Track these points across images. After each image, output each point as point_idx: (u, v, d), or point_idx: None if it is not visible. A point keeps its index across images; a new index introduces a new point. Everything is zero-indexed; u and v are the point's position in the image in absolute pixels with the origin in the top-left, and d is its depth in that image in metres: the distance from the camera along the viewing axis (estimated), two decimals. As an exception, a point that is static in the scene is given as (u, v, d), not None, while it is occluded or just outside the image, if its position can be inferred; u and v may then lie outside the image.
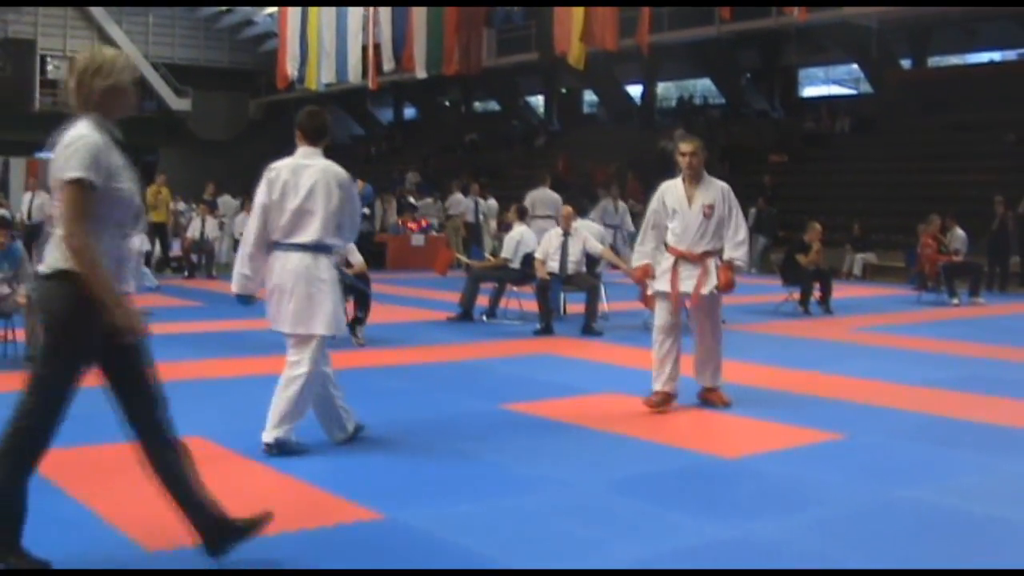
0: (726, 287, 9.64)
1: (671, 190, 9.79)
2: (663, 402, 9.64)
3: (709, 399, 9.80)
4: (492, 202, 30.57)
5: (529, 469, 7.56)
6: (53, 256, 5.11)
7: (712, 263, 9.65)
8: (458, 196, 30.99)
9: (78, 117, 5.27)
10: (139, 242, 5.67)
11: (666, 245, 9.84)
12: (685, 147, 9.71)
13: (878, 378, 11.69)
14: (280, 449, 7.75)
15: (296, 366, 8.06)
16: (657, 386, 9.69)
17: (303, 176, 7.81)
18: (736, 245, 9.64)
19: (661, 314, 9.77)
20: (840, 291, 20.00)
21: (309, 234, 7.77)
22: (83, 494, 6.68)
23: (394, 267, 27.75)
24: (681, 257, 9.70)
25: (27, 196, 28.68)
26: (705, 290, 9.60)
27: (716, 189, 9.73)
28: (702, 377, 9.87)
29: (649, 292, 9.93)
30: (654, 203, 9.91)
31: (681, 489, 7.11)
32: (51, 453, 7.71)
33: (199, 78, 58.56)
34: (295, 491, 6.92)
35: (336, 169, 7.93)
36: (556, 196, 22.55)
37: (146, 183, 23.85)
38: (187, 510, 5.48)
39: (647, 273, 9.81)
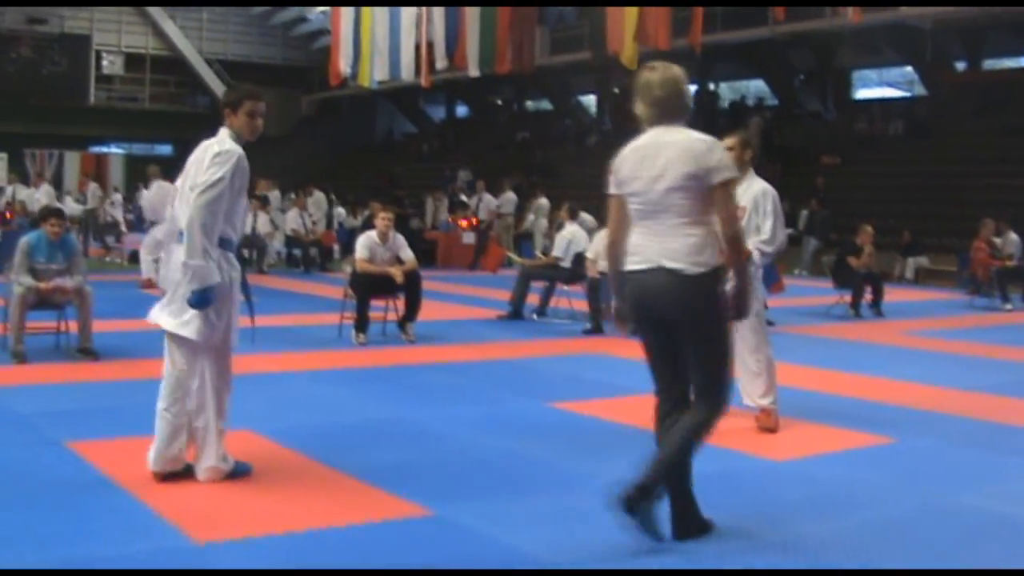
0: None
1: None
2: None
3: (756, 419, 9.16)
4: (543, 200, 30.62)
5: (577, 467, 7.57)
6: (707, 254, 5.71)
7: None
8: (509, 195, 31.07)
9: (664, 125, 5.89)
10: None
11: None
12: (724, 142, 9.14)
13: (929, 382, 11.64)
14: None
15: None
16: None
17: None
18: (758, 241, 8.84)
19: None
20: (892, 294, 19.89)
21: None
22: (135, 486, 6.72)
23: (444, 264, 27.80)
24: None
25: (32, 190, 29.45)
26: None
27: (752, 192, 8.99)
28: (746, 394, 9.19)
29: None
30: None
31: (729, 491, 7.09)
32: (101, 444, 7.83)
33: (252, 74, 58.52)
34: (343, 485, 6.94)
35: (218, 143, 6.93)
36: None
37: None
38: (672, 484, 5.98)
39: None
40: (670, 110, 5.87)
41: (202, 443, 6.91)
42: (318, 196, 29.93)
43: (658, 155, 5.79)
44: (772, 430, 8.92)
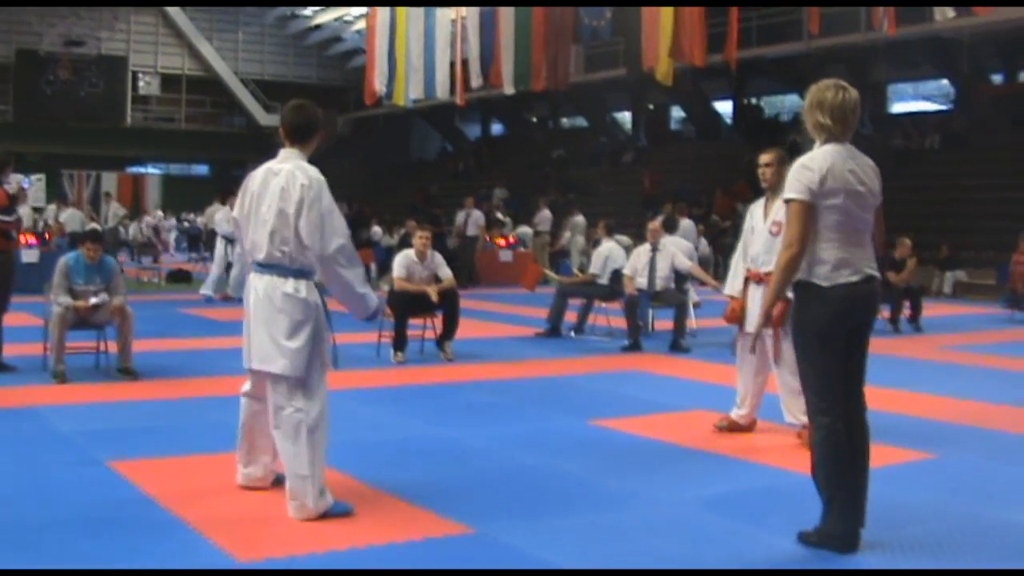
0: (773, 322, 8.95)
1: (757, 207, 9.39)
2: (728, 427, 9.47)
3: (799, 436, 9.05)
4: (580, 218, 30.64)
5: (618, 485, 7.55)
6: (872, 264, 6.17)
7: None
8: (545, 212, 31.11)
9: (845, 143, 6.16)
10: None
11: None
12: (762, 158, 9.27)
13: (969, 397, 11.58)
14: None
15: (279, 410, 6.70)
16: (732, 411, 9.57)
17: (271, 183, 6.70)
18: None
19: (738, 342, 9.51)
20: (930, 309, 19.80)
21: (266, 252, 6.68)
22: (176, 504, 6.75)
23: (482, 282, 27.81)
24: (750, 278, 9.27)
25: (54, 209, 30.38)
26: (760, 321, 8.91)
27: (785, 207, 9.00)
28: (788, 411, 9.22)
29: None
30: (745, 223, 9.55)
31: (771, 507, 7.07)
32: (142, 463, 7.85)
33: (288, 94, 58.09)
34: (385, 504, 6.94)
35: (301, 172, 6.63)
36: (689, 223, 22.48)
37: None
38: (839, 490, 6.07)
39: (735, 314, 9.35)
40: (853, 130, 6.14)
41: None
42: None
43: (862, 171, 6.11)
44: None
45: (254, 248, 6.76)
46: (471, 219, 29.25)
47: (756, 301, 9.01)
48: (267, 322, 6.64)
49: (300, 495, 6.55)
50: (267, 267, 6.68)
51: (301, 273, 6.66)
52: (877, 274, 6.13)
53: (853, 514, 5.98)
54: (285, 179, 6.63)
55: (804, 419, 8.94)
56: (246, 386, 7.09)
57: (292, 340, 6.56)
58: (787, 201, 6.08)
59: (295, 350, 6.56)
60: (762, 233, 9.17)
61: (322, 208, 6.54)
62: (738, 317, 9.40)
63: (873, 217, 6.19)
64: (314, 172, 6.68)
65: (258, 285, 6.71)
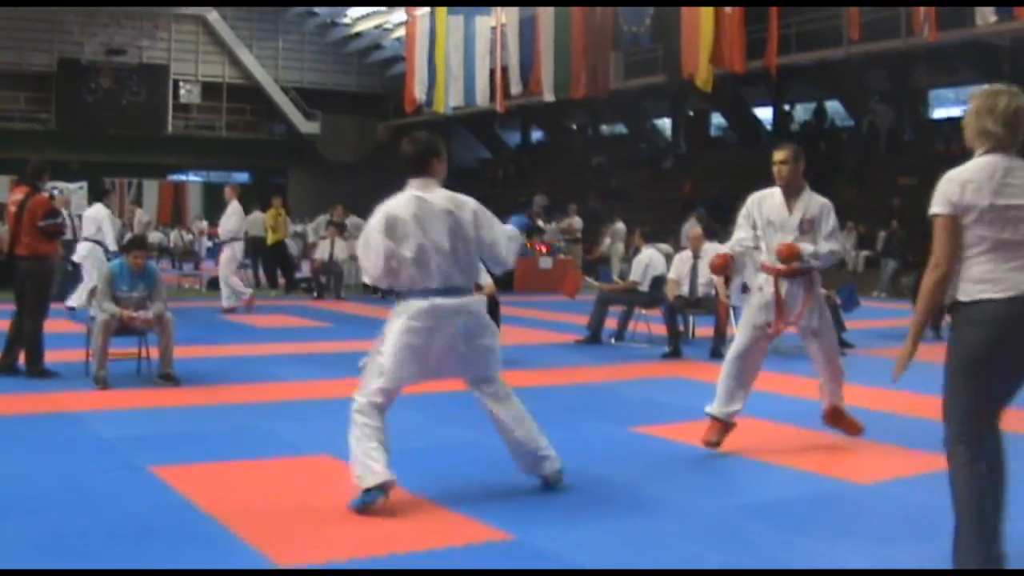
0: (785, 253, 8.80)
1: (768, 200, 9.04)
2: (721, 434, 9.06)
3: (837, 423, 9.15)
4: (620, 225, 30.58)
5: (658, 492, 7.52)
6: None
7: (816, 278, 8.99)
8: (576, 219, 31.18)
9: (1011, 154, 5.66)
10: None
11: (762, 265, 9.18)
12: (776, 155, 9.02)
13: (1014, 405, 11.45)
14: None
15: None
16: (716, 409, 9.07)
17: (434, 212, 7.14)
18: (823, 245, 8.86)
19: (743, 338, 9.13)
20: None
21: (445, 278, 7.17)
22: (217, 510, 6.77)
23: (522, 289, 27.77)
24: (779, 275, 8.97)
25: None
26: (815, 319, 8.94)
27: (817, 205, 8.94)
28: (828, 396, 9.14)
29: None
30: (744, 210, 9.20)
31: (812, 514, 7.04)
32: (183, 469, 7.87)
33: (328, 102, 59.23)
34: (424, 510, 6.95)
35: (460, 198, 7.33)
36: None
37: (267, 205, 24.28)
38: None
39: (726, 262, 9.35)
40: (1021, 140, 5.66)
41: None
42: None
43: (1021, 182, 5.58)
44: (859, 430, 9.03)
45: (426, 276, 7.16)
46: None
47: (796, 297, 8.97)
48: (479, 336, 7.68)
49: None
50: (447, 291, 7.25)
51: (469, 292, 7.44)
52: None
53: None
54: (461, 207, 7.30)
55: (837, 401, 9.01)
56: (381, 399, 7.66)
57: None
58: (932, 216, 5.78)
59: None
60: (790, 229, 8.95)
61: (495, 230, 7.37)
62: (722, 267, 9.65)
63: None
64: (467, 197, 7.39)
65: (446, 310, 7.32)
